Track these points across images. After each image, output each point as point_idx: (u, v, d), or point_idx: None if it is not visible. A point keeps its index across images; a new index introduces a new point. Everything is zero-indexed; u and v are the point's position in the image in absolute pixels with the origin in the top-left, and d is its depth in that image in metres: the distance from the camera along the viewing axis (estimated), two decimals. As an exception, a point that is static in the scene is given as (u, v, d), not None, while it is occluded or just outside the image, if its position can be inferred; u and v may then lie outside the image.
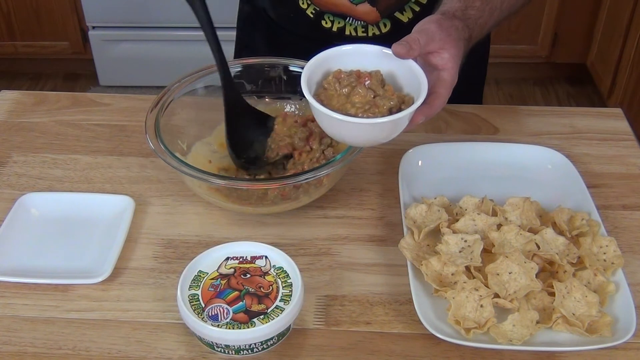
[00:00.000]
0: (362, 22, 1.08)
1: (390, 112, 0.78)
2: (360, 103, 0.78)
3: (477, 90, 1.30)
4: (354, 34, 1.10)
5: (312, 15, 1.09)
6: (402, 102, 0.80)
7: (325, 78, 0.82)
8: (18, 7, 2.74)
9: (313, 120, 0.98)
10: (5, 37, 2.82)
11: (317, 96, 0.80)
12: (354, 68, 0.82)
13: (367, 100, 0.79)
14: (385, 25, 1.08)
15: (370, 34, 1.09)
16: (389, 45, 0.80)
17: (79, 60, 2.91)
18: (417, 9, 1.06)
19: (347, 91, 0.80)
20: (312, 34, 1.11)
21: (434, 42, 0.80)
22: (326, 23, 1.09)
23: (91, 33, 2.75)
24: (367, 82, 0.80)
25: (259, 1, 1.19)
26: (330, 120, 0.78)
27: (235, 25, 1.28)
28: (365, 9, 1.06)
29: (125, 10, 2.68)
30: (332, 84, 0.80)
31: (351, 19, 1.08)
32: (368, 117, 0.78)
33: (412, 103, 0.79)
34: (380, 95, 0.79)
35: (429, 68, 0.82)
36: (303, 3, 1.09)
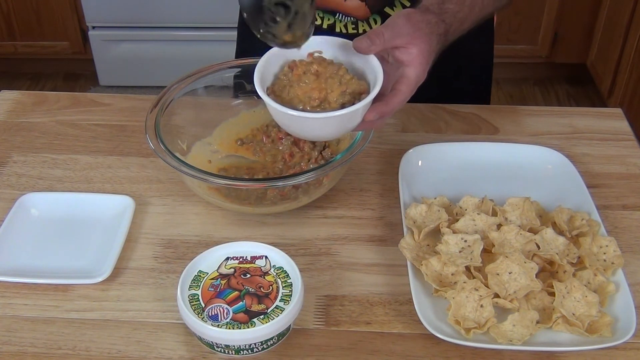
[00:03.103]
0: (352, 18, 1.07)
1: (343, 108, 0.77)
2: (308, 97, 0.78)
3: (484, 97, 1.29)
4: (344, 30, 1.09)
5: None
6: (357, 99, 0.78)
7: (282, 70, 0.82)
8: (18, 7, 2.74)
9: None
10: (5, 37, 2.82)
11: (272, 86, 0.81)
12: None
13: (319, 96, 0.78)
14: (375, 22, 1.07)
15: (360, 30, 1.08)
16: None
17: (79, 60, 2.91)
18: (407, 4, 1.05)
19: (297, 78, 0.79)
20: None
21: (401, 37, 0.78)
22: (316, 20, 1.09)
23: (91, 33, 2.75)
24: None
25: None
26: (276, 113, 0.78)
27: (235, 26, 1.28)
28: (354, 4, 1.05)
29: (125, 10, 2.68)
30: (287, 74, 0.80)
31: (341, 15, 1.07)
32: (317, 111, 0.78)
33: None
34: (337, 82, 0.79)
35: (395, 63, 0.80)
36: None
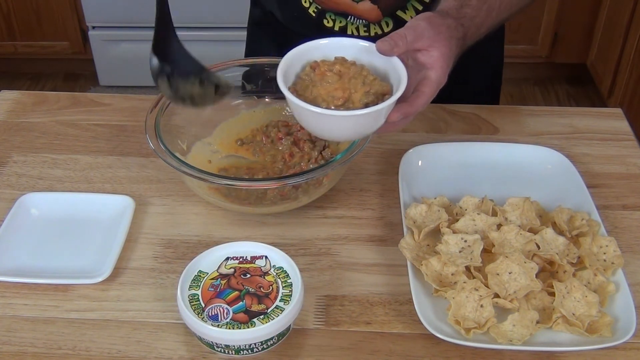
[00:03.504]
0: (363, 21, 1.08)
1: (366, 107, 0.77)
2: (331, 97, 0.78)
3: (493, 99, 1.30)
4: (355, 33, 1.09)
5: (314, 14, 1.09)
6: (380, 100, 0.78)
7: (304, 70, 0.81)
8: (18, 7, 2.74)
9: (299, 129, 0.99)
10: (5, 37, 2.82)
11: (293, 86, 0.80)
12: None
13: (343, 96, 0.78)
14: (387, 24, 1.07)
15: (372, 34, 1.09)
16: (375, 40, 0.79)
17: (79, 60, 2.91)
18: (419, 7, 1.05)
19: (319, 78, 0.79)
20: (316, 34, 1.10)
21: (423, 40, 0.79)
22: (328, 22, 1.09)
23: (91, 33, 2.75)
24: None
25: (267, 4, 1.19)
26: (300, 110, 0.78)
27: (237, 26, 1.28)
28: (366, 6, 1.05)
29: (125, 10, 2.68)
30: (309, 74, 0.80)
31: (353, 17, 1.07)
32: (342, 109, 0.77)
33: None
34: (361, 83, 0.78)
35: (416, 66, 0.80)
36: (305, 2, 1.08)
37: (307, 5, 1.08)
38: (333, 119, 0.77)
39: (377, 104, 0.77)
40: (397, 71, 0.79)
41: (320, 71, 0.79)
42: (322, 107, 0.77)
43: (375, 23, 1.08)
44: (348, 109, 0.77)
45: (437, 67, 0.79)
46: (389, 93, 0.79)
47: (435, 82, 0.80)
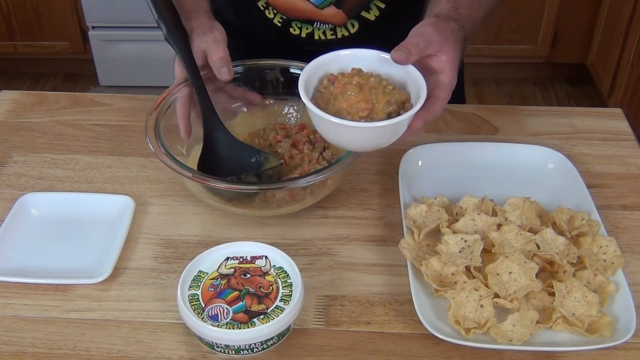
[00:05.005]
0: (330, 25, 1.08)
1: (389, 117, 0.78)
2: (355, 109, 0.78)
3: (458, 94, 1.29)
4: (322, 37, 1.09)
5: (279, 25, 1.09)
6: (402, 108, 0.79)
7: (322, 82, 0.82)
8: (18, 7, 2.74)
9: (297, 131, 0.99)
10: (5, 37, 2.82)
11: (313, 100, 0.80)
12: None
13: (367, 107, 0.78)
14: (353, 26, 1.08)
15: (339, 36, 1.09)
16: (387, 49, 0.80)
17: (79, 60, 2.91)
18: (382, 6, 1.06)
19: (340, 91, 0.79)
20: (281, 42, 1.10)
21: (432, 46, 0.80)
22: (294, 30, 1.09)
23: (91, 33, 2.75)
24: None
25: (224, 15, 1.16)
26: (327, 124, 0.78)
27: None
28: (331, 12, 1.06)
29: (125, 10, 2.68)
30: (328, 87, 0.80)
31: (319, 23, 1.08)
32: (366, 121, 0.77)
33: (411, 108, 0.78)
34: (381, 93, 0.79)
35: (426, 71, 0.81)
36: (269, 13, 1.08)
37: (271, 16, 1.08)
38: (363, 131, 0.77)
39: (399, 112, 0.78)
40: (415, 79, 0.80)
41: (340, 84, 0.80)
42: (348, 120, 0.77)
43: (341, 26, 1.08)
44: (372, 119, 0.78)
45: (447, 70, 0.81)
46: (408, 101, 0.80)
47: (448, 86, 0.81)
